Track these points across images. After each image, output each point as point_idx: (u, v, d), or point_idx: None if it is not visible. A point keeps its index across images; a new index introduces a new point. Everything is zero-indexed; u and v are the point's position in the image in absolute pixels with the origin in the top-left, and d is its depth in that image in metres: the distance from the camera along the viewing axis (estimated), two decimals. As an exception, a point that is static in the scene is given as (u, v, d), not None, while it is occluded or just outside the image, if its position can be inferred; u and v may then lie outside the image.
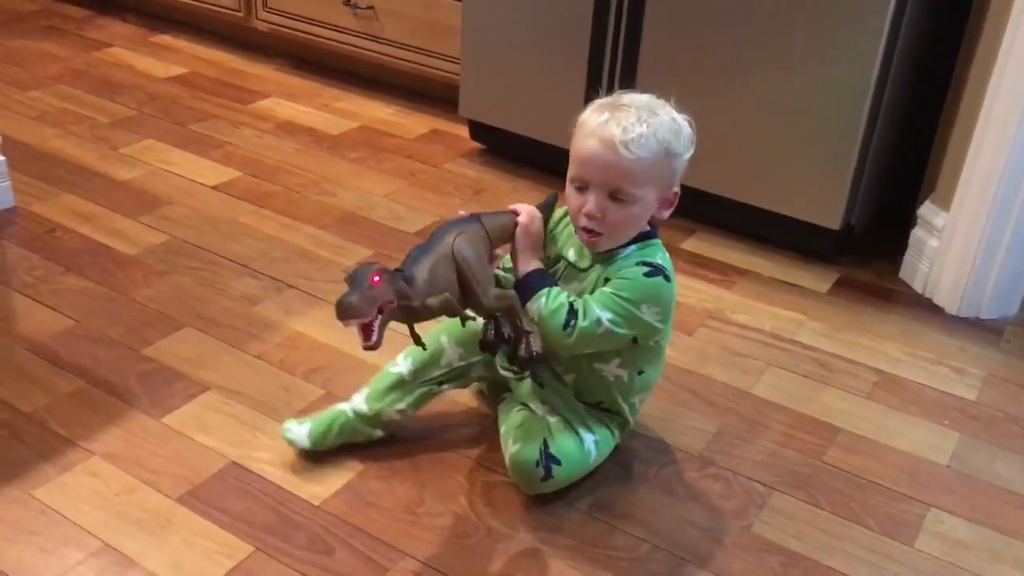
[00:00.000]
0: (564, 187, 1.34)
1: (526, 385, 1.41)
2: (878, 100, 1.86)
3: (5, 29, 3.01)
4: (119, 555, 1.23)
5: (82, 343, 1.62)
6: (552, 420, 1.38)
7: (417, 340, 1.32)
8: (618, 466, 1.43)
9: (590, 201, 1.28)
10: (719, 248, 2.05)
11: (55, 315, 1.69)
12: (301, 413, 1.49)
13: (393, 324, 1.16)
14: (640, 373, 1.39)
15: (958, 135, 1.87)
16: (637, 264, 1.31)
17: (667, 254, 1.35)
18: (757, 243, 2.06)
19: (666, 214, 1.34)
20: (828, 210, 1.94)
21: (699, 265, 1.99)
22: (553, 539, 1.31)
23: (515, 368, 1.40)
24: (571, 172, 1.31)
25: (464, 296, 1.23)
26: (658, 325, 1.32)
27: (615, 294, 1.29)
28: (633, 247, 1.33)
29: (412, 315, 1.18)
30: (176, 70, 2.78)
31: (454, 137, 2.47)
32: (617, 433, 1.43)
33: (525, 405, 1.40)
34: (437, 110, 2.61)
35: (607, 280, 1.31)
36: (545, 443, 1.34)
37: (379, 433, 1.40)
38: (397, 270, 1.17)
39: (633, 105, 1.28)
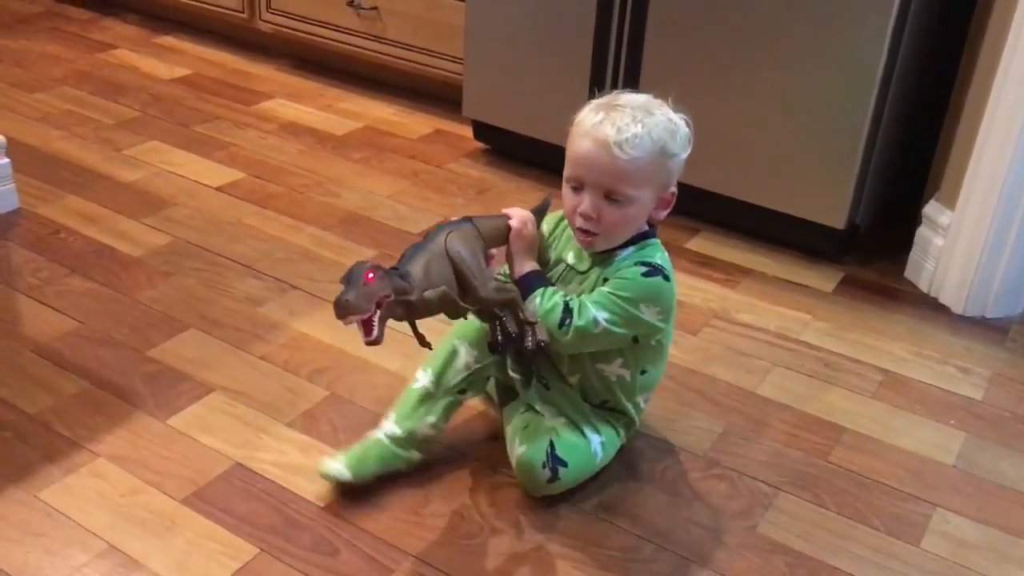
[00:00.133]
0: (569, 187, 1.34)
1: (532, 387, 1.41)
2: (882, 98, 1.86)
3: (9, 31, 3.02)
4: (124, 556, 1.23)
5: (87, 344, 1.62)
6: (558, 421, 1.38)
7: (422, 340, 1.31)
8: (623, 466, 1.43)
9: (585, 201, 1.28)
10: (723, 248, 2.05)
11: (60, 317, 1.69)
12: (306, 414, 1.49)
13: (397, 330, 1.16)
14: (643, 372, 1.39)
15: (963, 133, 1.87)
16: (636, 264, 1.31)
17: (666, 253, 1.34)
18: (761, 243, 2.06)
19: (663, 214, 1.34)
20: (833, 209, 1.94)
21: (703, 265, 1.98)
22: (558, 540, 1.30)
23: (523, 370, 1.40)
24: (567, 172, 1.31)
25: (462, 291, 1.23)
26: (659, 324, 1.32)
27: (613, 294, 1.29)
28: (631, 247, 1.33)
29: (411, 310, 1.19)
30: (180, 71, 2.78)
31: (457, 137, 2.47)
32: (623, 433, 1.43)
33: (531, 407, 1.40)
34: (440, 110, 2.61)
35: (606, 280, 1.31)
36: (551, 444, 1.34)
37: (416, 455, 1.37)
38: (392, 268, 1.18)
39: (629, 105, 1.27)
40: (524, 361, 1.38)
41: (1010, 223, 1.79)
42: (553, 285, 1.34)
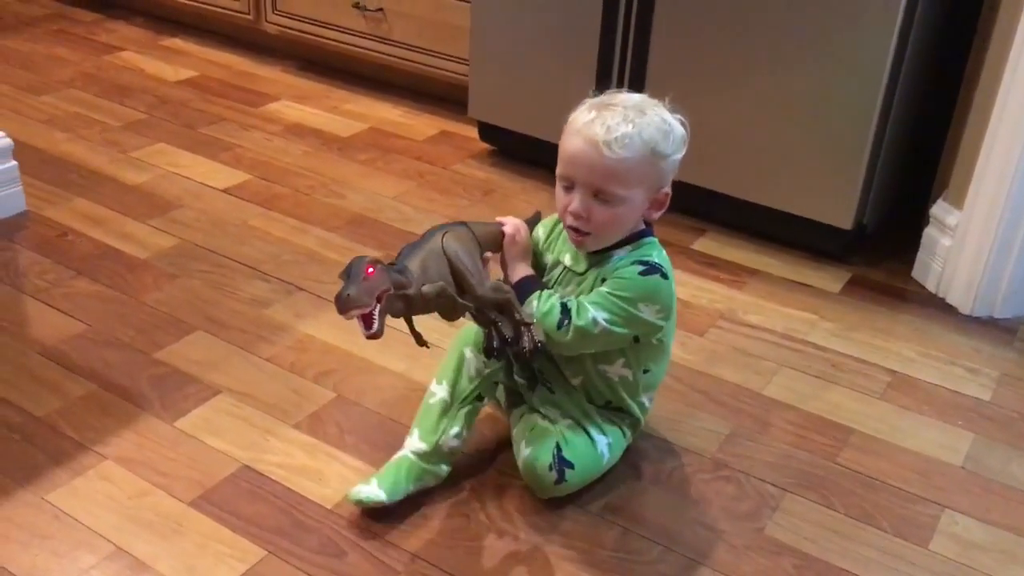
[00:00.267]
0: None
1: (537, 391, 1.41)
2: (890, 98, 1.85)
3: (16, 33, 3.02)
4: (132, 559, 1.24)
5: (94, 347, 1.62)
6: (564, 423, 1.37)
7: (419, 339, 1.32)
8: (629, 468, 1.43)
9: (575, 200, 1.28)
10: (730, 248, 2.04)
11: (67, 319, 1.69)
12: (312, 416, 1.49)
13: (401, 331, 1.16)
14: (646, 371, 1.38)
15: (971, 133, 1.86)
16: (633, 263, 1.30)
17: (664, 251, 1.34)
18: (768, 243, 2.05)
19: (656, 215, 1.33)
20: (840, 209, 1.93)
21: (710, 265, 1.98)
22: (564, 542, 1.30)
23: (527, 374, 1.40)
24: (558, 170, 1.31)
25: (459, 289, 1.24)
26: (659, 323, 1.32)
27: (611, 294, 1.29)
28: (628, 247, 1.33)
29: (410, 304, 1.19)
30: (186, 73, 2.79)
31: (463, 138, 2.47)
32: (629, 433, 1.42)
33: (536, 409, 1.40)
34: (446, 111, 2.61)
35: (604, 281, 1.31)
36: (558, 446, 1.33)
37: (445, 468, 1.36)
38: (390, 264, 1.19)
39: (622, 104, 1.26)
40: (524, 363, 1.38)
41: (1018, 223, 1.78)
42: (549, 288, 1.35)
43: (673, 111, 1.30)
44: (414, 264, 1.21)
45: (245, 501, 1.33)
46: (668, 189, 1.32)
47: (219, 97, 2.64)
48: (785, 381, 1.64)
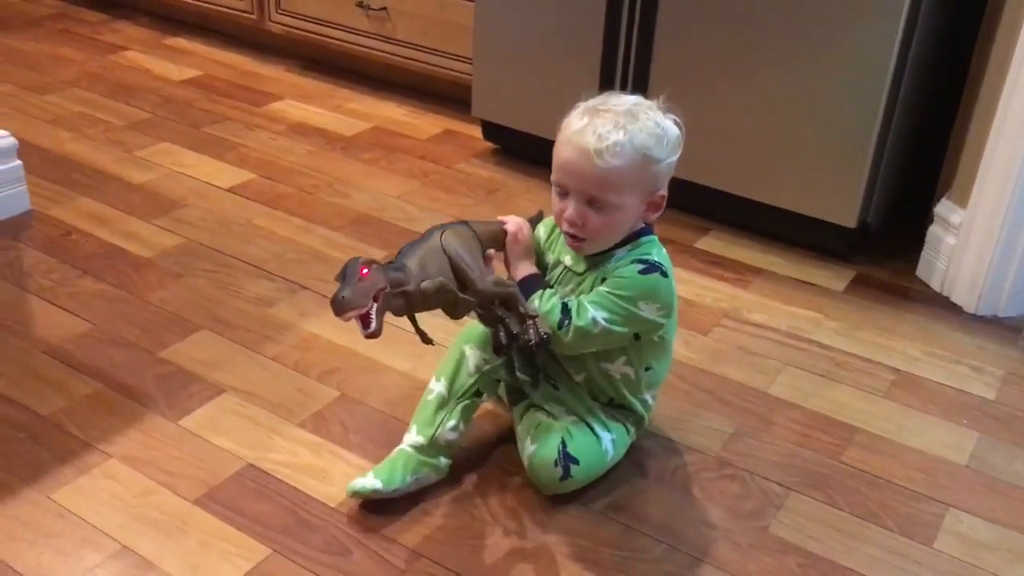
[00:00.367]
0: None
1: (540, 388, 1.41)
2: (893, 96, 1.85)
3: (21, 33, 3.03)
4: (137, 557, 1.24)
5: (98, 346, 1.63)
6: (569, 420, 1.38)
7: (423, 336, 1.32)
8: (634, 467, 1.43)
9: (569, 208, 1.29)
10: (734, 247, 2.04)
11: (72, 318, 1.70)
12: (316, 415, 1.49)
13: (405, 330, 1.16)
14: (647, 369, 1.39)
15: (975, 131, 1.86)
16: (632, 262, 1.31)
17: (663, 249, 1.34)
18: (772, 242, 2.05)
19: (653, 217, 1.33)
20: (844, 208, 1.93)
21: (714, 264, 1.98)
22: (569, 540, 1.30)
23: (531, 371, 1.40)
24: (552, 177, 1.32)
25: (460, 285, 1.24)
26: (660, 320, 1.32)
27: (611, 293, 1.29)
28: (628, 246, 1.33)
29: (409, 301, 1.20)
30: (190, 73, 2.79)
31: (467, 137, 2.47)
32: (633, 430, 1.42)
33: (540, 406, 1.40)
34: (450, 110, 2.61)
35: (604, 280, 1.31)
36: (563, 443, 1.34)
37: (444, 460, 1.36)
38: (388, 262, 1.19)
39: (614, 110, 1.26)
40: (529, 358, 1.38)
41: (1022, 221, 1.78)
42: (551, 288, 1.35)
43: (668, 110, 1.29)
44: (412, 262, 1.21)
45: (250, 500, 1.33)
46: (664, 192, 1.31)
47: (223, 96, 2.65)
48: (789, 380, 1.64)
